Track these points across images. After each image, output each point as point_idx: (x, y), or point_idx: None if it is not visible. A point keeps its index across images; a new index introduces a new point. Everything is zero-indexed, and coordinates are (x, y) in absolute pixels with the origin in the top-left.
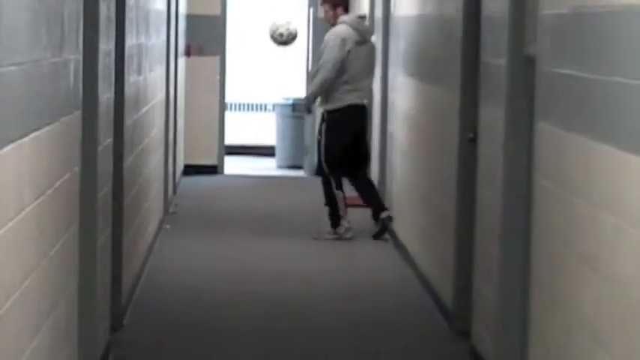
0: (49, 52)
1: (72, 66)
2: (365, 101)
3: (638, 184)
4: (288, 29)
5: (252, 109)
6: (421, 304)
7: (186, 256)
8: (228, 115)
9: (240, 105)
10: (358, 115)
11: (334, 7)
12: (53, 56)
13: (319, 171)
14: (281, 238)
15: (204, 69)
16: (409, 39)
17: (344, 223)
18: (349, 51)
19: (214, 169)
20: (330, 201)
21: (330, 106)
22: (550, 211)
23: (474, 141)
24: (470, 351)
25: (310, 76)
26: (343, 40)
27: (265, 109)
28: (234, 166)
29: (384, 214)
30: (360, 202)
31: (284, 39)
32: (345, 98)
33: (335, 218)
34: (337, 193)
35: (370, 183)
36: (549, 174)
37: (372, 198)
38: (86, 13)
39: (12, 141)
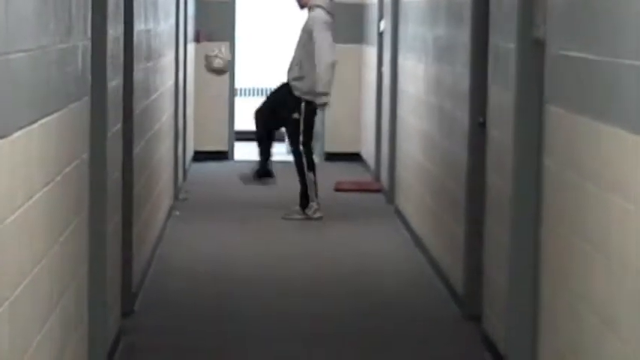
0: (57, 38)
1: (80, 52)
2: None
3: None
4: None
5: (262, 94)
6: (432, 289)
7: (196, 241)
8: (237, 100)
9: (250, 90)
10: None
11: None
12: (61, 42)
13: (294, 151)
14: (291, 222)
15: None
16: (418, 23)
17: (313, 205)
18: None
19: (224, 155)
20: (303, 181)
21: (309, 97)
22: (560, 194)
23: (483, 125)
24: (481, 335)
25: (293, 65)
26: (326, 24)
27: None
28: (244, 151)
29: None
30: (353, 187)
31: (219, 67)
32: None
33: (305, 199)
34: (308, 174)
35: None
36: (559, 157)
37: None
38: None
39: (21, 127)
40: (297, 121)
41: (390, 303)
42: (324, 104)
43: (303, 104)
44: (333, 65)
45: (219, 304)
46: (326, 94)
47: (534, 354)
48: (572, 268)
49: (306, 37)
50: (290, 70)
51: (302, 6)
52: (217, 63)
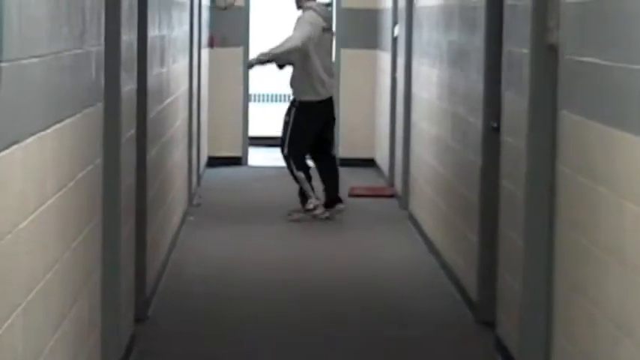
0: (70, 44)
1: (94, 57)
2: (333, 91)
3: None
4: None
5: (276, 99)
6: (445, 294)
7: (210, 247)
8: (252, 106)
9: (264, 96)
10: (330, 105)
11: None
12: (75, 48)
13: (282, 153)
14: (305, 227)
15: (228, 60)
16: (432, 29)
17: (311, 201)
18: (318, 37)
19: (238, 161)
20: (296, 180)
21: (305, 98)
22: (574, 200)
23: (497, 130)
24: (494, 341)
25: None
26: (312, 25)
27: (289, 99)
28: (258, 157)
29: (340, 206)
30: (367, 192)
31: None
32: (321, 93)
33: (303, 197)
34: (298, 174)
35: (335, 167)
36: (573, 163)
37: (333, 182)
38: (108, 4)
39: (34, 133)
40: (287, 123)
41: (403, 308)
42: (250, 63)
43: (295, 107)
44: (291, 51)
45: (233, 309)
46: (259, 59)
47: (547, 359)
48: (587, 273)
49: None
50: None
51: (298, 7)
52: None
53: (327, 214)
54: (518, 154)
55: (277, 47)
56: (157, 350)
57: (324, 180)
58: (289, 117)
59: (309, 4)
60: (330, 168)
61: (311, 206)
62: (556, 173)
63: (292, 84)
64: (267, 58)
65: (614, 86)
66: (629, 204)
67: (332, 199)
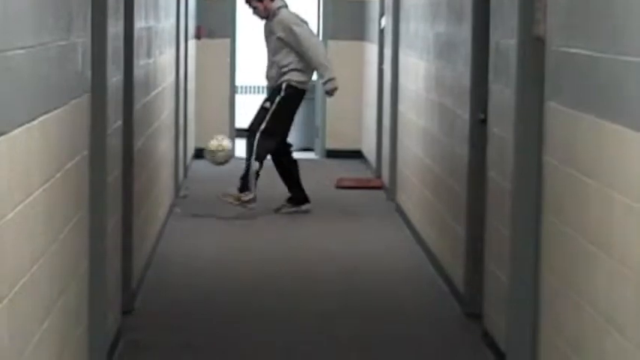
0: (56, 35)
1: (80, 49)
2: None
3: None
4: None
5: (263, 91)
6: (432, 286)
7: (196, 239)
8: (238, 97)
9: (250, 88)
10: (302, 98)
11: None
12: (61, 39)
13: (249, 135)
14: (291, 219)
15: (215, 51)
16: (419, 20)
17: (250, 195)
18: None
19: None
20: (247, 165)
21: (299, 78)
22: (561, 191)
23: (484, 122)
24: (481, 332)
25: (270, 69)
26: (298, 18)
27: None
28: (245, 149)
29: (305, 206)
30: (354, 184)
31: (225, 160)
32: (305, 82)
33: (245, 182)
34: (254, 163)
35: (298, 170)
36: (560, 154)
37: (297, 180)
38: None
39: (20, 125)
40: (266, 110)
41: (390, 300)
42: (335, 88)
43: (281, 93)
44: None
45: (219, 301)
46: (333, 78)
47: (535, 352)
48: (574, 265)
49: (286, 36)
50: (270, 75)
51: (266, 16)
52: (221, 157)
53: (253, 204)
54: (505, 146)
55: (327, 64)
56: (143, 342)
57: (289, 183)
58: (271, 103)
59: (277, 3)
60: (294, 171)
61: (247, 198)
62: (543, 165)
63: (285, 66)
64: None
65: (601, 78)
66: (617, 195)
67: (300, 197)
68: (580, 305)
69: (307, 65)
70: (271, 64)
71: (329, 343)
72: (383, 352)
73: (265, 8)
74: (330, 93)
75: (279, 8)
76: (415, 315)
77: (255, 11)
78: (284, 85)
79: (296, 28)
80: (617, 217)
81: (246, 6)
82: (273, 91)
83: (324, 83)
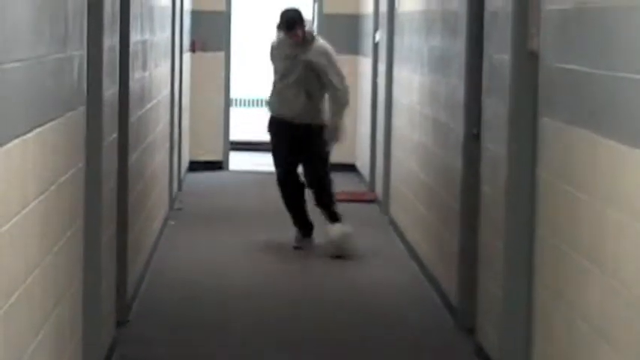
0: (52, 48)
1: (76, 62)
2: None
3: None
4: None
5: (258, 104)
6: (426, 300)
7: (191, 251)
8: (233, 110)
9: (245, 101)
10: None
11: (300, 25)
12: (57, 52)
13: (323, 183)
14: (286, 233)
15: (209, 65)
16: (414, 34)
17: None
18: None
19: (220, 165)
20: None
21: (322, 121)
22: (554, 206)
23: (478, 136)
24: (474, 346)
25: (310, 99)
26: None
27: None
28: (239, 161)
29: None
30: (347, 197)
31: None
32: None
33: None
34: (334, 198)
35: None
36: (553, 169)
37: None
38: (90, 9)
39: (16, 136)
40: (319, 155)
41: (383, 314)
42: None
43: (317, 133)
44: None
45: (213, 313)
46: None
47: None
48: (567, 279)
49: (320, 67)
50: (297, 106)
51: (303, 40)
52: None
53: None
54: (499, 161)
55: (343, 109)
56: (137, 354)
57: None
58: (318, 147)
59: (310, 31)
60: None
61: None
62: (536, 179)
63: (310, 109)
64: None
65: (595, 93)
66: (610, 211)
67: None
68: (573, 320)
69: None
70: (296, 93)
71: (321, 354)
72: None
73: (305, 32)
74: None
75: (316, 36)
76: (408, 328)
77: (295, 37)
78: (315, 127)
79: (332, 53)
80: (610, 232)
81: (283, 31)
82: (313, 132)
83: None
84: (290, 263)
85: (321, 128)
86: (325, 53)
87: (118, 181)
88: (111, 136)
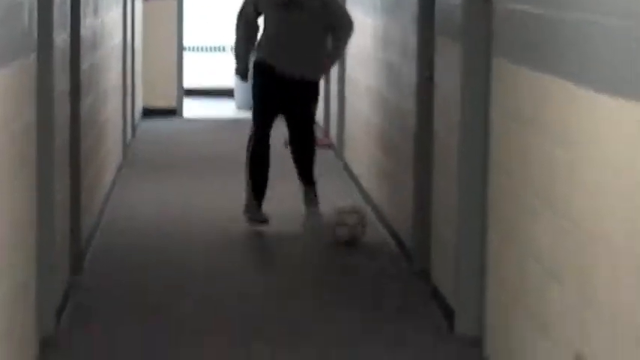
0: None
1: (26, 7)
2: None
3: (591, 120)
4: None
5: (210, 50)
6: (381, 245)
7: (145, 199)
8: (187, 56)
9: (197, 47)
10: None
11: None
12: None
13: (309, 144)
14: (239, 178)
15: (162, 12)
16: None
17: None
18: None
19: (173, 112)
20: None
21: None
22: (507, 148)
23: (431, 79)
24: (430, 289)
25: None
26: None
27: (223, 50)
28: (193, 108)
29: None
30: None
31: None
32: None
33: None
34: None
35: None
36: (506, 110)
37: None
38: None
39: None
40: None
41: (339, 259)
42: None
43: (313, 89)
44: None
45: (166, 260)
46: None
47: (482, 306)
48: (519, 220)
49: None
50: (296, 61)
51: None
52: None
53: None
54: (453, 103)
55: (342, 45)
56: (92, 302)
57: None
58: (311, 105)
59: None
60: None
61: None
62: (489, 121)
63: (310, 63)
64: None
65: (546, 34)
66: (560, 151)
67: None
68: (523, 259)
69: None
70: (296, 42)
71: (277, 298)
72: (332, 309)
73: None
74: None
75: None
76: (364, 273)
77: None
78: (309, 83)
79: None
80: (560, 172)
81: None
82: (309, 87)
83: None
84: (241, 208)
85: (317, 84)
86: None
87: (71, 129)
88: (62, 83)
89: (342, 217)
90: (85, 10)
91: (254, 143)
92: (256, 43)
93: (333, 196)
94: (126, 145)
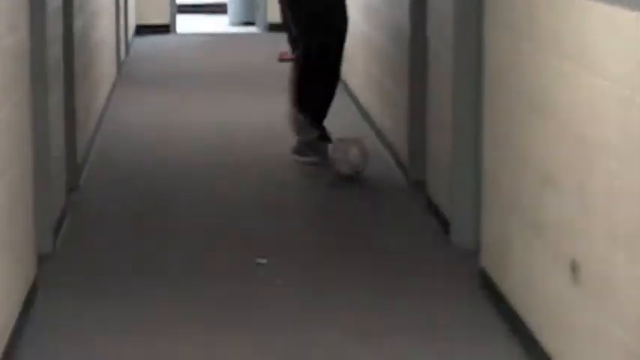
0: None
1: None
2: None
3: (580, 27)
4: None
5: None
6: (378, 159)
7: (141, 116)
8: None
9: None
10: None
11: None
12: None
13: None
14: (234, 93)
15: None
16: None
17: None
18: None
19: (166, 28)
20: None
21: None
22: (500, 57)
23: None
24: (425, 201)
25: None
26: None
27: None
28: (186, 24)
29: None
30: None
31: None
32: None
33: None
34: None
35: None
36: (499, 23)
37: None
38: None
39: None
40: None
41: (331, 170)
42: None
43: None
44: None
45: (163, 175)
46: None
47: (477, 216)
48: (513, 129)
49: None
50: None
51: None
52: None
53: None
54: (446, 16)
55: None
56: (89, 217)
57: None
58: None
59: None
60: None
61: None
62: (483, 34)
63: None
64: None
65: None
66: (551, 59)
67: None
68: (519, 168)
69: None
70: None
71: (271, 211)
72: (328, 222)
73: None
74: None
75: None
76: (359, 184)
77: None
78: None
79: None
80: (552, 80)
81: None
82: None
83: None
84: (242, 125)
85: None
86: None
87: (64, 46)
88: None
89: (344, 152)
90: None
91: (324, 63)
92: None
93: (330, 112)
94: (120, 62)
